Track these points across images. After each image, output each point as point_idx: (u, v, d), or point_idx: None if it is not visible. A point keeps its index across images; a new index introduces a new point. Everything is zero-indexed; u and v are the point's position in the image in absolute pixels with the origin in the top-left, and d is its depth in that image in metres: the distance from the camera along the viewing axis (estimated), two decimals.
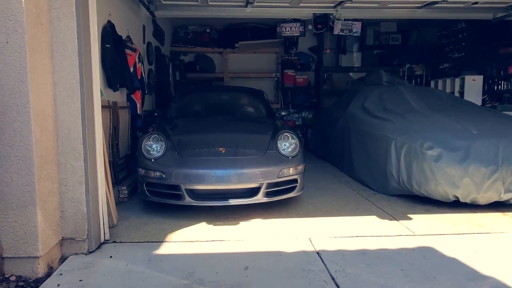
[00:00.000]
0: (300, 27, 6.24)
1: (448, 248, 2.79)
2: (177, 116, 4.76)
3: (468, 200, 3.67)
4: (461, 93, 6.77)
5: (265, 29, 8.50)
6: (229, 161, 3.45)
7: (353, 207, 3.86)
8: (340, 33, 6.26)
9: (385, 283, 2.29)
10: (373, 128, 4.67)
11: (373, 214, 3.61)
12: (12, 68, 2.22)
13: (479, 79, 6.66)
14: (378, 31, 8.73)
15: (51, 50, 2.50)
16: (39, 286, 2.24)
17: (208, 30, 8.71)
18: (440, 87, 7.42)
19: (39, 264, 2.35)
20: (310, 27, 6.34)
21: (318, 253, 2.73)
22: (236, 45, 8.50)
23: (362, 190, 4.54)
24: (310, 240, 2.97)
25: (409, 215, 3.59)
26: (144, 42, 5.81)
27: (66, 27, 2.52)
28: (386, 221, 3.44)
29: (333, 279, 2.34)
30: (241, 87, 6.00)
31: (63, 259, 2.60)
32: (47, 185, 2.43)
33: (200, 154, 3.53)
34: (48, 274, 2.38)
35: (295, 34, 6.34)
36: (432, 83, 7.83)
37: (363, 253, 2.74)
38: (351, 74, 8.98)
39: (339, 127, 5.79)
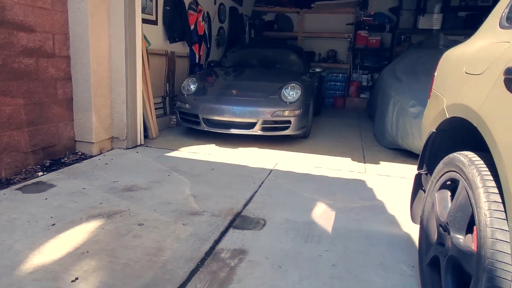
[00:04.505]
0: None
1: (375, 183, 3.42)
2: (224, 66, 5.92)
3: None
4: None
5: None
6: (236, 100, 4.50)
7: (343, 152, 4.54)
8: None
9: (296, 190, 3.15)
10: (387, 87, 5.10)
11: (351, 157, 4.28)
12: (80, 24, 3.61)
13: None
14: None
15: (108, 13, 3.84)
16: (91, 158, 3.75)
17: None
18: None
19: (93, 147, 3.85)
20: None
21: (271, 170, 3.66)
22: (312, 5, 9.04)
23: (369, 142, 5.10)
24: (276, 163, 3.89)
25: (380, 162, 4.16)
26: (215, 3, 6.96)
27: None
28: (355, 162, 4.10)
29: (262, 182, 3.29)
30: (285, 44, 6.78)
31: (111, 149, 4.09)
32: (100, 101, 3.87)
33: (216, 93, 4.65)
34: (99, 155, 3.88)
35: None
36: None
37: (305, 175, 3.58)
38: None
39: (376, 87, 6.20)
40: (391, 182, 3.47)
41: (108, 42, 3.89)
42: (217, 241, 2.21)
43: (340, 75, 9.09)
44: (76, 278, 1.77)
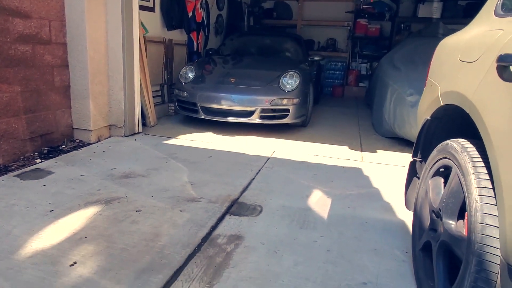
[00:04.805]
0: None
1: (371, 171, 3.44)
2: (222, 53, 5.90)
3: None
4: None
5: None
6: (234, 88, 4.49)
7: (341, 140, 4.56)
8: None
9: (292, 177, 3.17)
10: (385, 76, 5.09)
11: (348, 146, 4.30)
12: (77, 11, 3.58)
13: None
14: None
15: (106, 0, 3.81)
16: (89, 145, 3.76)
17: None
18: None
19: (91, 135, 3.86)
20: None
21: (268, 158, 3.68)
22: None
23: (366, 131, 5.11)
24: (273, 151, 3.91)
25: (377, 150, 4.18)
26: None
27: None
28: (352, 151, 4.12)
29: (259, 170, 3.31)
30: (284, 32, 6.75)
31: (109, 137, 4.10)
32: (98, 88, 3.86)
33: (214, 81, 4.64)
34: (97, 142, 3.89)
35: None
36: None
37: (302, 163, 3.59)
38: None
39: (375, 76, 6.19)
40: (387, 170, 3.49)
41: (105, 28, 3.86)
42: (213, 227, 2.24)
43: (339, 63, 9.06)
44: (75, 262, 1.80)
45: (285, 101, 4.46)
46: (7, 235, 2.01)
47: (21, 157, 3.28)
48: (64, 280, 1.67)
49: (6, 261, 1.79)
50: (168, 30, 5.31)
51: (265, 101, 4.39)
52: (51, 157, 3.36)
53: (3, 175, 2.87)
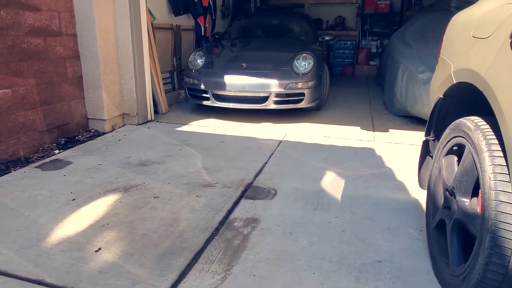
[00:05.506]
0: None
1: (384, 151, 3.44)
2: (230, 37, 5.86)
3: None
4: None
5: None
6: (246, 73, 4.45)
7: (352, 120, 4.54)
8: None
9: (305, 160, 3.20)
10: (396, 53, 5.01)
11: (360, 126, 4.29)
12: (85, 1, 3.60)
13: None
14: None
15: None
16: (104, 134, 3.83)
17: None
18: None
19: (105, 124, 3.93)
20: None
21: (280, 141, 3.70)
22: None
23: (378, 110, 5.08)
24: (285, 134, 3.93)
25: (389, 129, 4.16)
26: None
27: None
28: (364, 131, 4.11)
29: (272, 153, 3.35)
30: (292, 12, 6.65)
31: (123, 125, 4.16)
32: (109, 78, 3.91)
33: (225, 67, 4.60)
34: (111, 131, 3.96)
35: None
36: None
37: (314, 145, 3.61)
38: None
39: (385, 54, 6.09)
40: (400, 150, 3.49)
41: (113, 17, 3.88)
42: (230, 211, 2.29)
43: (349, 42, 8.92)
44: (99, 248, 1.88)
45: (300, 85, 4.40)
46: (34, 224, 2.10)
47: (40, 149, 3.38)
48: (91, 265, 1.75)
49: (35, 248, 1.88)
50: (175, 16, 5.30)
51: (279, 85, 4.34)
52: (68, 148, 3.44)
53: (24, 166, 2.96)
